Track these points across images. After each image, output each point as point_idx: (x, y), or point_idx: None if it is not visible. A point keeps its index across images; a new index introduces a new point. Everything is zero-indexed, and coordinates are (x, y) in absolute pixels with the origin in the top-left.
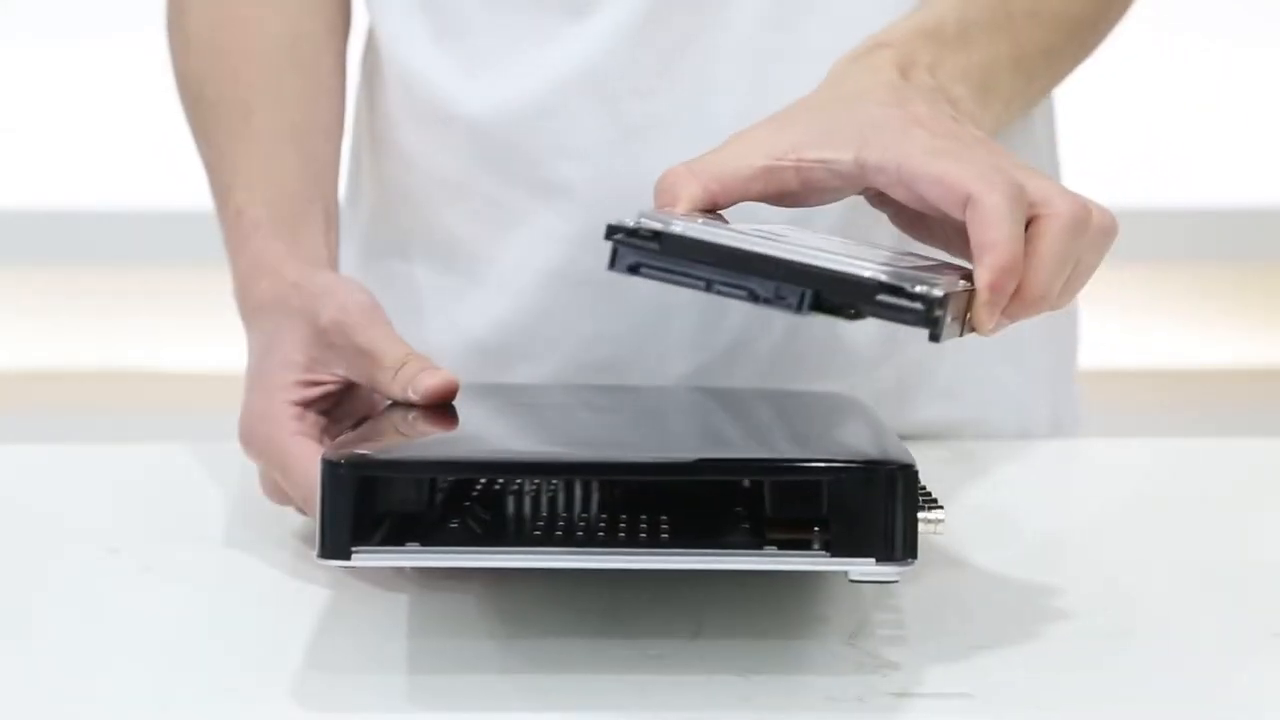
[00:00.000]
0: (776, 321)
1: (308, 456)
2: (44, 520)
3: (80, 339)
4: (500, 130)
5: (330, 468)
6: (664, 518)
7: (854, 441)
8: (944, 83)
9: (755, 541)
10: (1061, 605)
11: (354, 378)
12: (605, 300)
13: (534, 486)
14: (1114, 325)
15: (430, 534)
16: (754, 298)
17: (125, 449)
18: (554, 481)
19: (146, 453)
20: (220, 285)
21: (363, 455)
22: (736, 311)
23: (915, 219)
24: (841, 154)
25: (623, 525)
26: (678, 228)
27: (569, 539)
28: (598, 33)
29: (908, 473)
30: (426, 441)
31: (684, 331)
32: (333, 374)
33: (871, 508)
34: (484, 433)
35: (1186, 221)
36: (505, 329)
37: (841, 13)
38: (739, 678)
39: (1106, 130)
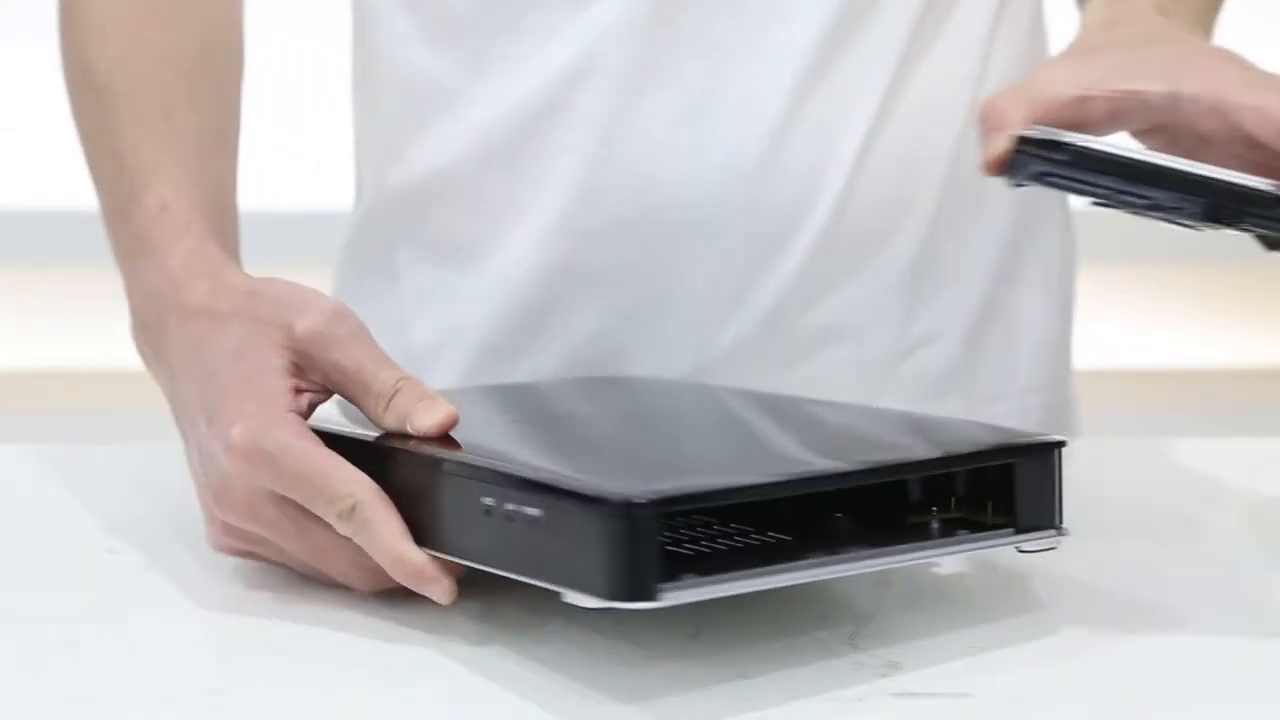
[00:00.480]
0: (781, 321)
1: (344, 467)
2: (44, 520)
3: (80, 339)
4: (501, 126)
5: (630, 509)
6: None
7: (978, 427)
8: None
9: (945, 530)
10: (1061, 605)
11: (335, 391)
12: (607, 295)
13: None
14: (1114, 325)
15: (705, 562)
16: (1156, 207)
17: (125, 449)
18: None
19: (146, 453)
20: None
21: (665, 493)
22: (741, 308)
23: (1196, 152)
24: (1155, 85)
25: (812, 530)
26: (1074, 139)
27: (826, 547)
28: (599, 25)
29: (1062, 446)
30: (703, 472)
31: (685, 326)
32: (312, 381)
33: (1048, 482)
34: (718, 454)
35: None
36: (507, 325)
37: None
38: (739, 678)
39: None
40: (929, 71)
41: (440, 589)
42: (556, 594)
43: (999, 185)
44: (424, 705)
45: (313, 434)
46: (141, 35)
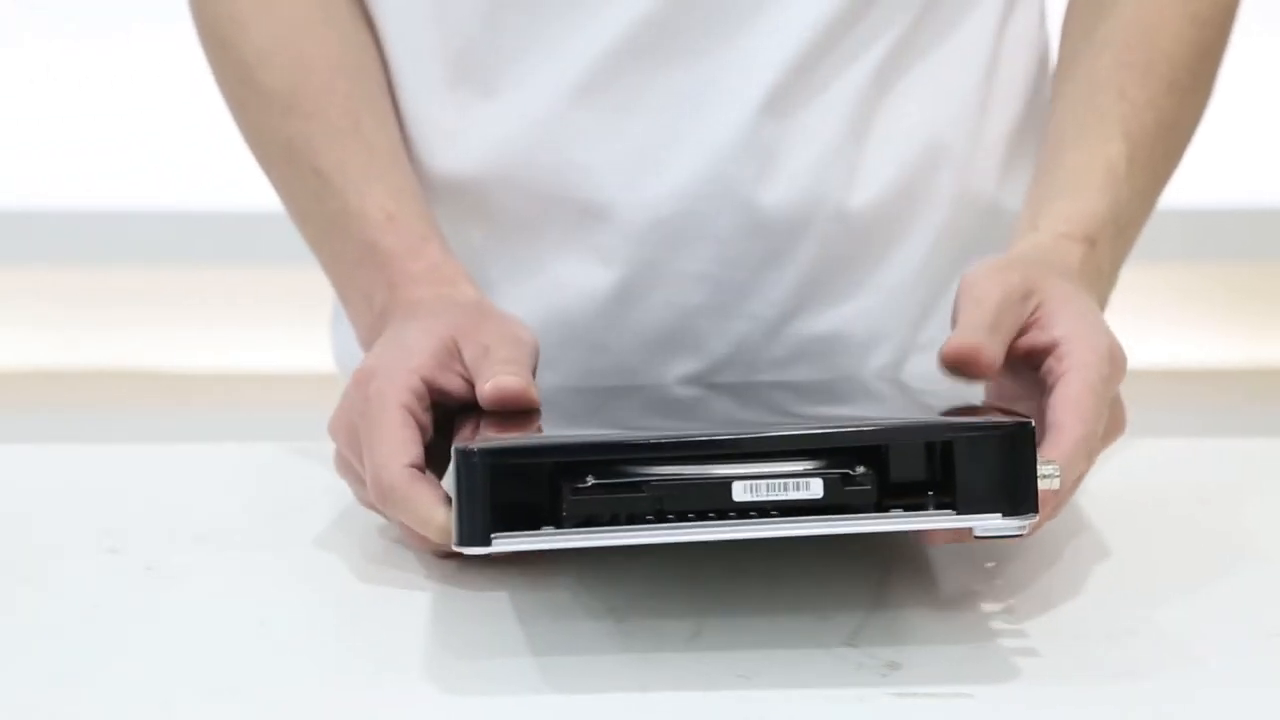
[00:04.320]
0: (784, 330)
1: (401, 441)
2: (44, 520)
3: (80, 339)
4: (508, 152)
5: (465, 456)
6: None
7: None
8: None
9: (880, 506)
10: (1061, 605)
11: (467, 363)
12: (613, 310)
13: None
14: (1113, 325)
15: (558, 520)
16: None
17: (126, 449)
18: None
19: (147, 453)
20: (220, 285)
21: (498, 444)
22: (742, 317)
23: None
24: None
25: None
26: None
27: (699, 515)
28: (601, 45)
29: (1028, 429)
30: (553, 434)
31: (692, 336)
32: (444, 387)
33: (997, 464)
34: (606, 426)
35: (1185, 221)
36: None
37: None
38: (739, 678)
39: None
40: (929, 79)
41: None
42: (556, 593)
43: (1014, 191)
44: (422, 707)
45: (412, 399)
46: (304, 53)
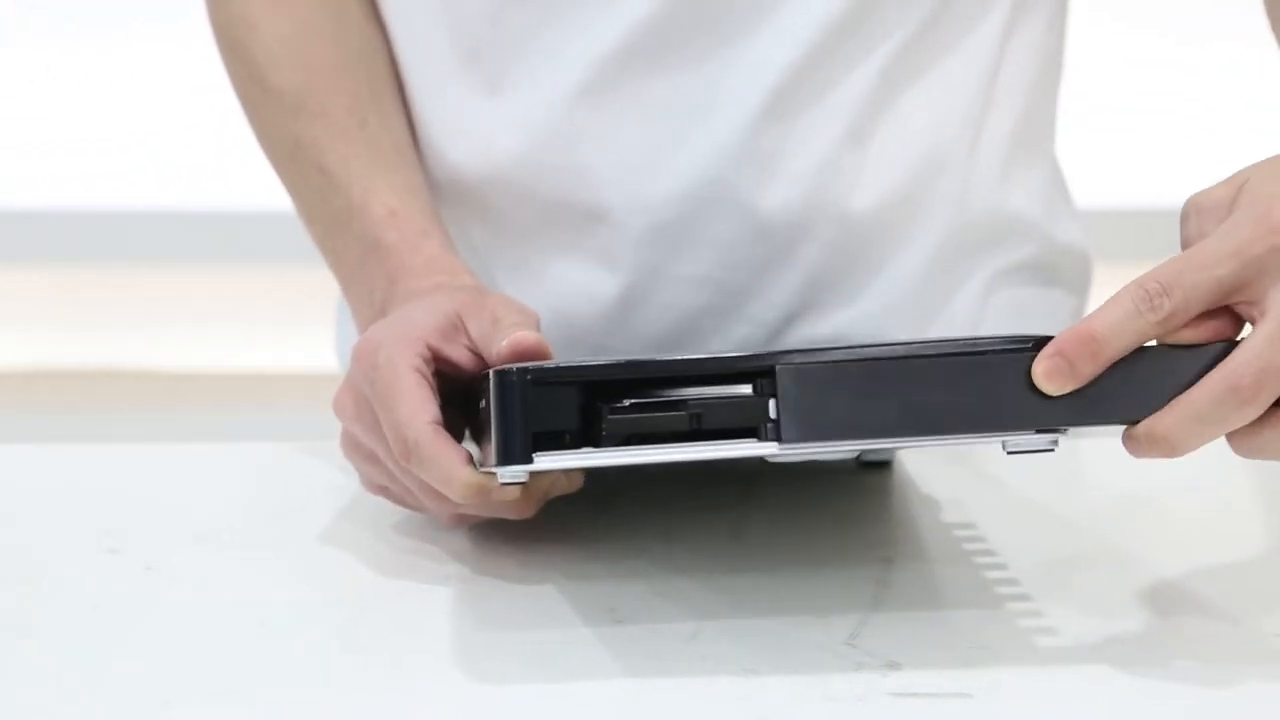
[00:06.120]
0: (787, 333)
1: (421, 400)
2: (44, 520)
3: (80, 339)
4: (511, 153)
5: (503, 376)
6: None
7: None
8: None
9: None
10: (1061, 604)
11: (474, 336)
12: (615, 312)
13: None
14: None
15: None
16: None
17: (126, 449)
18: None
19: (147, 453)
20: (218, 285)
21: (536, 365)
22: (741, 323)
23: None
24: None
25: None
26: None
27: (734, 435)
28: (610, 44)
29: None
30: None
31: (694, 340)
32: (450, 357)
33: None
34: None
35: None
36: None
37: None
38: (739, 677)
39: (1106, 130)
40: (932, 83)
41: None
42: (556, 590)
43: (1024, 195)
44: (422, 705)
45: (422, 363)
46: (312, 53)
